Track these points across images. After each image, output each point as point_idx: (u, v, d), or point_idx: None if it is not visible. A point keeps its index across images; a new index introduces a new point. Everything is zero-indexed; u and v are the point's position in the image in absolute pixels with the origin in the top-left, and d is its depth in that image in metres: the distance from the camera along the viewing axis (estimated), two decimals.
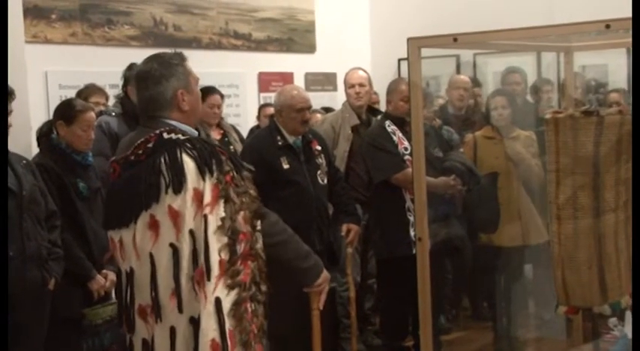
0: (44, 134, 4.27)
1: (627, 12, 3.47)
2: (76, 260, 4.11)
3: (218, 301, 2.62)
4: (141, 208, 2.70)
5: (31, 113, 4.56)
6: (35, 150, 4.42)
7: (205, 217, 2.63)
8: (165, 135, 2.75)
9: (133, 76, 4.73)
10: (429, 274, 3.70)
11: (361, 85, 5.77)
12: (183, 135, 2.76)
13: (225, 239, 2.64)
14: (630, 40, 4.40)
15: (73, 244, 4.10)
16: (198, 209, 2.64)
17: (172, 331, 2.69)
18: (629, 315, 5.06)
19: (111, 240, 2.88)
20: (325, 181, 4.82)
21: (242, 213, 2.70)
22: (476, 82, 7.05)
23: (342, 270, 5.21)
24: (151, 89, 2.84)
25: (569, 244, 3.60)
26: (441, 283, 5.35)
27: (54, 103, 4.95)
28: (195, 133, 2.91)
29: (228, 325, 2.62)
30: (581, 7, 5.45)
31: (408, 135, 5.05)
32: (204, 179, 2.66)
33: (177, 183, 2.65)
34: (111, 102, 5.36)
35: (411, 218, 5.01)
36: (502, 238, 5.21)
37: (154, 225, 2.69)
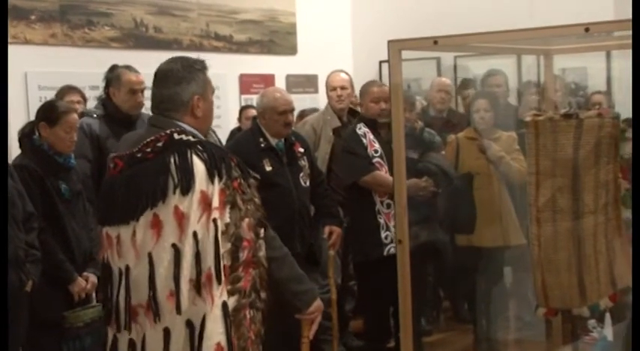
0: (26, 135, 4.24)
1: (606, 16, 3.50)
2: (58, 263, 4.09)
3: (225, 306, 2.64)
4: (145, 207, 2.69)
5: (10, 114, 4.52)
6: (14, 151, 4.39)
7: (215, 221, 2.63)
8: (175, 135, 2.75)
9: (113, 77, 4.78)
10: (409, 276, 3.71)
11: (343, 87, 5.79)
12: (193, 137, 2.76)
13: (229, 245, 2.65)
14: (611, 43, 4.45)
15: (54, 247, 4.08)
16: (204, 212, 2.64)
17: (167, 333, 2.68)
18: (608, 317, 5.10)
19: (106, 236, 2.85)
20: (307, 183, 4.82)
21: (247, 220, 2.70)
22: (466, 84, 7.07)
23: (323, 272, 5.21)
24: (170, 88, 2.84)
25: (549, 247, 3.62)
26: (422, 285, 5.36)
27: (33, 104, 4.93)
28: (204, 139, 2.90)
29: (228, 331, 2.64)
30: (561, 11, 5.47)
31: (379, 137, 5.08)
32: (212, 183, 2.66)
33: (186, 184, 2.65)
34: (91, 104, 5.33)
35: (382, 220, 5.05)
36: (482, 239, 5.23)
37: (156, 224, 2.68)
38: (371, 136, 5.17)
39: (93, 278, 4.21)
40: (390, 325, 5.24)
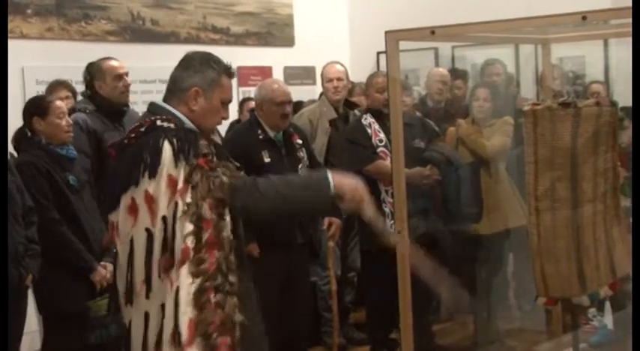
0: (18, 141, 4.27)
1: (603, 4, 3.49)
2: (77, 253, 4.12)
3: (177, 290, 2.60)
4: (123, 191, 2.70)
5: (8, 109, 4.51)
6: (10, 147, 4.39)
7: (176, 203, 2.63)
8: (158, 122, 2.75)
9: (94, 70, 4.77)
10: (408, 266, 3.71)
11: (339, 79, 5.78)
12: (175, 124, 2.75)
13: (191, 226, 2.61)
14: (608, 31, 4.45)
15: (71, 237, 4.11)
16: (172, 196, 2.64)
17: (146, 316, 2.69)
18: (608, 306, 5.11)
19: (110, 224, 2.86)
20: None
21: (208, 200, 2.65)
22: (456, 73, 7.05)
23: (323, 264, 5.22)
24: (178, 71, 2.87)
25: (548, 236, 3.62)
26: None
27: None
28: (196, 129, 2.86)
29: (189, 314, 2.58)
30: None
31: (385, 127, 5.07)
32: (178, 166, 2.65)
33: (152, 168, 2.65)
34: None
35: (387, 209, 5.04)
36: (484, 227, 5.24)
37: (133, 208, 2.69)
38: (376, 126, 5.17)
39: (111, 267, 4.20)
40: (394, 316, 5.23)
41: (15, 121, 4.44)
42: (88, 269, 4.16)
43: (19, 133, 4.29)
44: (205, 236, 2.63)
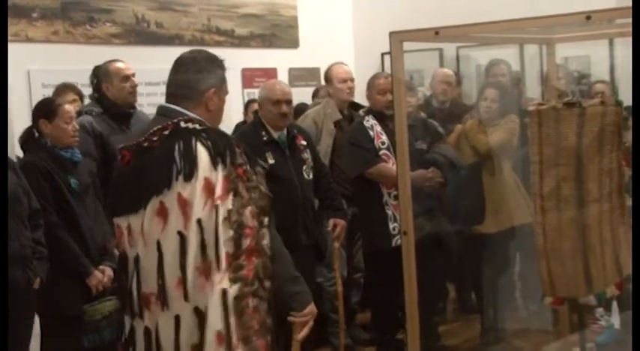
0: (26, 140, 4.27)
1: (608, 4, 3.49)
2: (74, 257, 4.12)
3: (224, 293, 2.62)
4: (152, 194, 2.69)
5: (14, 112, 4.54)
6: (18, 150, 4.40)
7: (217, 207, 2.63)
8: (182, 124, 2.75)
9: (101, 73, 4.78)
10: (414, 268, 3.71)
11: (352, 79, 5.77)
12: (200, 125, 2.76)
13: (231, 233, 2.64)
14: (612, 31, 4.43)
15: (69, 241, 4.11)
16: (207, 199, 2.64)
17: (177, 320, 2.69)
18: (615, 305, 5.10)
19: (117, 227, 2.86)
20: (311, 176, 4.82)
21: (250, 208, 2.68)
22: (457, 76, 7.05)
23: (329, 265, 5.22)
24: (190, 75, 2.84)
25: (554, 236, 3.62)
26: (429, 277, 5.36)
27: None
28: None
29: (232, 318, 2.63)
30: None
31: (387, 129, 5.07)
32: (216, 169, 2.66)
33: (189, 171, 2.65)
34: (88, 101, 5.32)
35: (389, 212, 5.05)
36: (489, 226, 5.23)
37: (162, 212, 2.68)
38: (378, 128, 5.17)
39: (109, 271, 4.23)
40: (399, 317, 5.24)
41: (21, 124, 4.46)
42: (84, 273, 4.15)
43: (27, 133, 4.29)
44: (245, 243, 2.66)
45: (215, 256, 2.63)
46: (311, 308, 3.02)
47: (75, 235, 4.15)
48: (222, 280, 2.63)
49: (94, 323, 4.15)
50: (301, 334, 3.04)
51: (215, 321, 2.63)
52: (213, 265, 2.63)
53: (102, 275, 4.21)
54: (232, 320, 2.63)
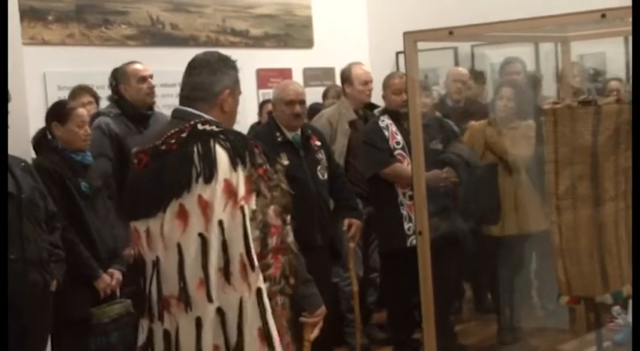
0: (39, 140, 4.29)
1: (623, 1, 3.47)
2: (82, 260, 4.13)
3: (259, 292, 2.66)
4: (171, 197, 2.70)
5: (29, 115, 4.56)
6: (34, 153, 4.42)
7: (242, 208, 2.64)
8: (199, 126, 2.76)
9: (119, 74, 4.80)
10: (430, 267, 3.71)
11: (371, 81, 5.75)
12: (217, 127, 2.77)
13: (257, 232, 2.67)
14: (627, 28, 4.41)
15: (78, 244, 4.12)
16: (228, 200, 2.65)
17: (198, 322, 2.70)
18: (631, 303, 5.07)
19: (134, 231, 2.86)
20: (325, 176, 4.82)
21: (273, 207, 2.72)
22: (474, 75, 7.03)
23: (345, 265, 5.22)
24: (204, 77, 2.85)
25: (570, 234, 3.61)
26: (445, 276, 5.36)
27: None
28: None
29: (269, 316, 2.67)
30: None
31: (402, 128, 5.06)
32: (236, 171, 2.67)
33: (209, 173, 2.66)
34: (104, 103, 5.34)
35: (405, 212, 5.05)
36: (504, 228, 5.22)
37: (182, 214, 2.69)
38: (394, 128, 5.17)
39: (118, 274, 4.24)
40: (415, 316, 5.23)
41: (36, 127, 4.48)
42: (92, 276, 4.17)
43: (40, 134, 4.32)
44: (272, 242, 2.70)
45: (247, 255, 2.64)
46: (322, 310, 3.08)
47: (84, 237, 4.16)
48: (257, 280, 2.65)
49: (101, 326, 4.15)
50: (312, 334, 3.09)
51: (254, 320, 2.65)
52: (247, 265, 2.64)
53: (110, 278, 4.22)
54: (270, 318, 2.67)
